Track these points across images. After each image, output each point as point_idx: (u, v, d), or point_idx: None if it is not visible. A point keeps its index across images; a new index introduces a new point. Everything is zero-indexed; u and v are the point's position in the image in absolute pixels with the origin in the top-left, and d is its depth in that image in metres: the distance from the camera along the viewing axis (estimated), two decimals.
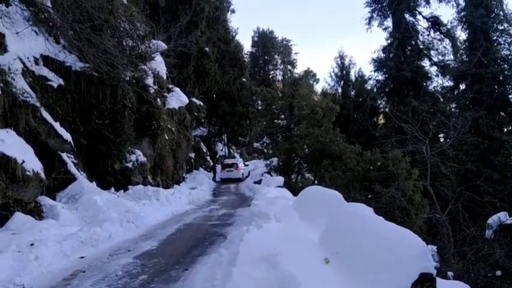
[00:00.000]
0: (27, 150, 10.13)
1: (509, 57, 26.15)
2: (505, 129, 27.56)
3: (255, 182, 30.48)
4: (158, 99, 19.13)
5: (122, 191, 15.23)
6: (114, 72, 13.86)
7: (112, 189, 15.03)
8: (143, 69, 16.73)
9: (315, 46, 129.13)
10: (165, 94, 21.02)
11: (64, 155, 12.85)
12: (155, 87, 18.54)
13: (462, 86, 31.22)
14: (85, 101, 14.29)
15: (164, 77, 21.63)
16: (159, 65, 19.45)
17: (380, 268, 4.40)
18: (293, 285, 4.11)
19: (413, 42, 29.73)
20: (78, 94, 14.10)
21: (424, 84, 29.84)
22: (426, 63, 30.25)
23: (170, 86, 22.76)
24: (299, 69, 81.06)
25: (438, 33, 29.59)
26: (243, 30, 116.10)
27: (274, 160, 35.40)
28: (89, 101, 14.34)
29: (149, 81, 18.09)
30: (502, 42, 26.31)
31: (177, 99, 22.85)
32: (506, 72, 25.85)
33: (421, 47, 29.90)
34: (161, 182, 19.21)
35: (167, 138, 20.50)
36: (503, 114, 27.54)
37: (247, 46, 70.53)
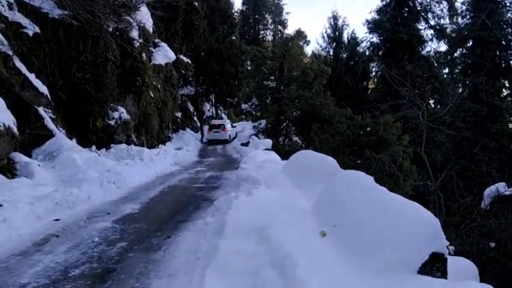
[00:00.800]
0: None
1: None
2: (504, 96, 26.59)
3: (242, 144, 29.99)
4: (144, 54, 18.12)
5: (104, 149, 14.54)
6: (95, 22, 12.86)
7: (93, 147, 14.33)
8: (127, 20, 15.65)
9: (307, 6, 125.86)
10: (151, 49, 19.97)
11: (41, 109, 12.01)
12: (141, 40, 17.51)
13: (459, 51, 30.48)
14: (64, 52, 13.32)
15: (151, 30, 20.50)
16: (145, 16, 18.30)
17: (386, 245, 3.91)
18: (289, 265, 3.60)
19: (410, 3, 28.60)
20: (56, 44, 13.12)
21: (419, 48, 28.99)
22: (422, 25, 29.35)
23: (156, 40, 21.65)
24: (290, 30, 79.23)
25: None
26: None
27: (263, 122, 34.82)
28: (68, 52, 13.38)
29: (134, 34, 17.04)
30: (508, 5, 25.22)
31: (164, 55, 21.79)
32: (509, 37, 24.84)
33: (418, 8, 28.77)
34: (145, 142, 18.54)
35: (152, 95, 19.64)
36: (503, 80, 26.67)
37: (237, 3, 68.40)
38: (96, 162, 11.75)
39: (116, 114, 15.95)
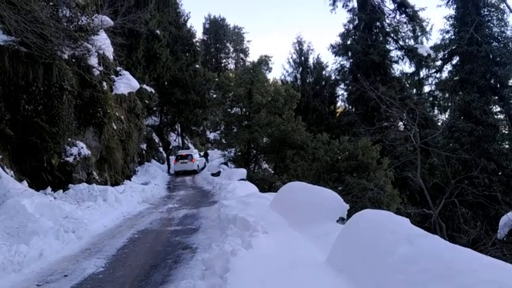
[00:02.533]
0: None
1: (503, 34, 25.13)
2: (495, 113, 25.63)
3: (212, 174, 28.54)
4: (105, 83, 16.56)
5: (61, 191, 12.75)
6: (47, 47, 11.30)
7: (49, 189, 12.54)
8: (85, 46, 14.15)
9: (268, 34, 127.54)
10: (113, 77, 18.42)
11: None
12: (101, 68, 16.00)
13: (424, 72, 30.51)
14: (11, 82, 11.64)
15: (111, 58, 19.02)
16: (105, 42, 16.83)
17: None
18: None
19: (378, 24, 28.49)
20: (1, 74, 11.45)
21: (390, 69, 28.77)
22: (392, 46, 29.18)
23: (118, 68, 20.14)
24: (251, 58, 79.63)
25: (404, 15, 28.50)
26: (194, 16, 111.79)
27: (232, 150, 33.62)
28: (15, 82, 11.71)
29: (93, 61, 15.53)
30: (494, 18, 25.09)
31: (126, 84, 20.26)
32: (498, 51, 24.43)
33: (387, 29, 28.72)
34: (109, 178, 16.75)
35: (115, 127, 17.99)
36: (494, 97, 25.77)
37: (198, 33, 67.98)
38: (51, 208, 10.00)
39: (74, 150, 14.23)
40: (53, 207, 10.13)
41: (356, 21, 30.15)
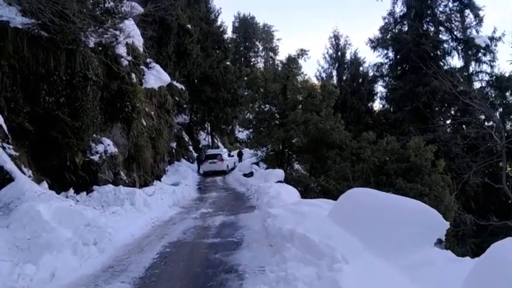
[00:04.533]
0: None
1: None
2: None
3: (244, 175, 27.05)
4: (134, 75, 15.22)
5: (85, 193, 11.42)
6: (70, 29, 9.95)
7: (71, 191, 11.21)
8: (112, 33, 12.80)
9: (298, 33, 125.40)
10: (142, 68, 17.08)
11: None
12: (129, 58, 14.65)
13: (474, 66, 27.87)
14: (30, 70, 10.36)
15: (141, 49, 17.71)
16: (134, 32, 15.50)
17: None
18: None
19: (429, 12, 26.04)
20: (19, 60, 10.18)
21: (443, 61, 26.34)
22: (445, 36, 26.67)
23: (148, 60, 18.83)
24: (281, 57, 77.84)
25: (457, 3, 25.97)
26: (224, 14, 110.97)
27: (264, 150, 32.06)
28: (35, 70, 10.41)
29: (121, 50, 14.20)
30: None
31: (157, 77, 18.95)
32: None
33: (441, 18, 26.29)
34: (137, 179, 15.40)
35: (145, 124, 16.67)
36: None
37: (228, 32, 66.82)
38: (71, 214, 8.61)
39: (100, 148, 12.90)
40: (74, 213, 8.73)
41: (402, 10, 27.82)
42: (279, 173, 19.50)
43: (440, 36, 26.68)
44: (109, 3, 11.53)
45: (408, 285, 4.03)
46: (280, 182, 18.97)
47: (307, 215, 7.53)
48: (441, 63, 26.02)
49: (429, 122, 19.41)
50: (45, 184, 10.33)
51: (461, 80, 23.79)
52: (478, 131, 13.49)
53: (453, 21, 25.91)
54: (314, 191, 23.12)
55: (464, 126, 21.85)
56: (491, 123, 16.14)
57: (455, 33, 26.11)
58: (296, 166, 36.00)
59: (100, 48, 12.80)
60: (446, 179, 16.85)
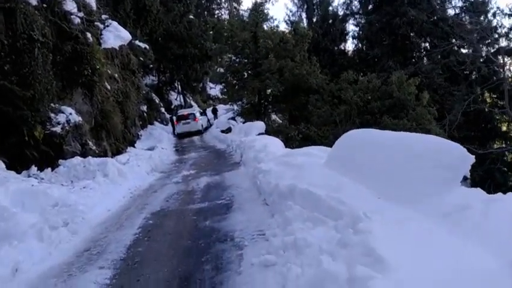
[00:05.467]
0: None
1: None
2: None
3: (222, 131, 26.07)
4: (89, 35, 13.63)
5: (49, 169, 10.26)
6: None
7: (34, 168, 10.03)
8: None
9: None
10: (98, 26, 15.41)
11: None
12: (81, 14, 13.01)
13: None
14: None
15: (94, 6, 15.95)
16: None
17: None
18: None
19: None
20: None
21: None
22: None
23: (103, 17, 17.06)
24: (245, 6, 74.97)
25: None
26: None
27: (239, 104, 31.00)
28: None
29: (70, 6, 12.56)
30: None
31: (116, 35, 17.27)
32: None
33: None
34: (108, 147, 14.20)
35: (109, 87, 15.25)
36: None
37: None
38: (34, 195, 7.53)
39: (62, 117, 11.57)
40: (37, 193, 7.66)
41: None
42: (260, 125, 18.62)
43: None
44: None
45: (453, 239, 3.23)
46: (262, 134, 18.13)
47: (304, 167, 6.68)
48: None
49: (409, 54, 18.61)
50: (1, 164, 9.14)
51: (437, 7, 22.85)
52: (473, 57, 12.67)
53: None
54: (296, 140, 22.45)
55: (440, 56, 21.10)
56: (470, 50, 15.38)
57: None
58: (273, 117, 35.20)
59: (45, 5, 11.19)
60: (431, 112, 16.26)
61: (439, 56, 19.23)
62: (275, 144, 12.28)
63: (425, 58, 20.57)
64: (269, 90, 27.42)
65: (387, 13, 19.92)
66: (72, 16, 12.50)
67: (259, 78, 25.78)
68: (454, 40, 14.40)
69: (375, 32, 25.31)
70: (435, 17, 21.73)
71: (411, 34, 16.15)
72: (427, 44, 25.29)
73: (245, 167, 10.74)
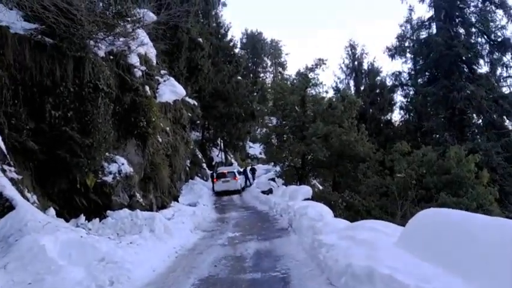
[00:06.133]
0: None
1: None
2: None
3: (263, 192, 25.51)
4: (148, 88, 13.95)
5: (97, 219, 10.02)
6: (78, 34, 8.70)
7: (82, 217, 9.83)
8: (124, 40, 11.57)
9: (308, 44, 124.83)
10: (157, 78, 15.81)
11: None
12: (143, 68, 13.39)
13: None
14: (33, 81, 9.11)
15: (154, 61, 16.51)
16: (146, 40, 14.30)
17: None
18: None
19: (457, 14, 24.49)
20: (21, 71, 8.94)
21: (477, 65, 24.72)
22: (478, 40, 25.02)
23: (162, 72, 17.60)
24: (290, 71, 77.23)
25: (488, 3, 24.40)
26: (231, 30, 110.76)
27: (280, 165, 30.71)
28: (39, 81, 9.16)
29: (134, 60, 12.96)
30: None
31: (172, 90, 17.71)
32: None
33: (472, 19, 24.68)
34: (155, 201, 13.98)
35: (160, 140, 15.34)
36: None
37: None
38: (82, 248, 7.19)
39: (114, 167, 11.53)
40: (85, 246, 7.31)
41: (422, 16, 26.20)
42: (306, 191, 17.97)
43: (473, 38, 25.05)
44: (120, 8, 10.25)
45: None
46: (308, 199, 17.48)
47: (376, 245, 6.02)
48: (475, 67, 24.41)
49: (466, 129, 17.89)
50: (52, 211, 8.97)
51: (496, 84, 22.25)
52: None
53: (488, 22, 24.19)
54: (339, 208, 21.60)
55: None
56: None
57: (487, 34, 24.43)
58: (313, 181, 34.50)
59: (111, 57, 11.57)
60: (492, 192, 15.19)
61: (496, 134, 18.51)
62: (324, 212, 11.59)
63: (481, 134, 19.78)
64: (313, 155, 27.03)
65: (443, 86, 19.58)
66: (135, 69, 12.84)
67: (305, 142, 25.55)
68: None
69: (430, 104, 24.78)
70: (494, 94, 21.13)
71: (469, 109, 15.59)
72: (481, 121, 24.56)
73: (297, 235, 10.08)
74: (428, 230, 5.63)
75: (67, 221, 9.26)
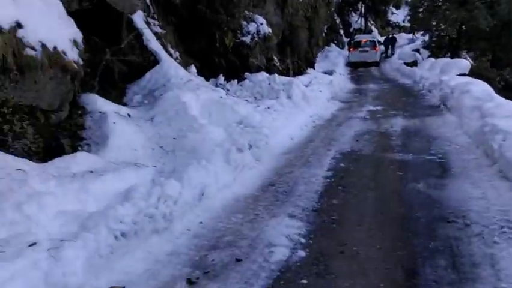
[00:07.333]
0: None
1: None
2: None
3: (406, 64, 23.15)
4: None
5: (235, 81, 9.83)
6: None
7: (221, 77, 9.72)
8: None
9: None
10: None
11: (137, 18, 7.52)
12: None
13: None
14: None
15: None
16: None
17: None
18: None
19: None
20: None
21: None
22: None
23: None
24: None
25: None
26: None
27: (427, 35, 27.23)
28: None
29: None
30: None
31: None
32: None
33: None
34: (291, 66, 13.34)
35: (300, 0, 14.01)
36: None
37: None
38: (221, 108, 7.04)
39: (252, 27, 10.88)
40: (224, 106, 7.15)
41: None
42: (463, 64, 15.55)
43: None
44: None
45: None
46: (463, 74, 15.15)
47: None
48: None
49: None
50: (193, 68, 8.92)
51: None
52: None
53: None
54: (496, 87, 18.75)
55: None
56: None
57: None
58: (464, 55, 30.25)
59: None
60: None
61: None
62: (483, 88, 9.65)
63: None
64: (473, 23, 22.96)
65: None
66: None
67: (465, 7, 21.55)
68: None
69: None
70: None
71: None
72: None
73: (453, 115, 8.70)
74: None
75: (207, 79, 9.20)
